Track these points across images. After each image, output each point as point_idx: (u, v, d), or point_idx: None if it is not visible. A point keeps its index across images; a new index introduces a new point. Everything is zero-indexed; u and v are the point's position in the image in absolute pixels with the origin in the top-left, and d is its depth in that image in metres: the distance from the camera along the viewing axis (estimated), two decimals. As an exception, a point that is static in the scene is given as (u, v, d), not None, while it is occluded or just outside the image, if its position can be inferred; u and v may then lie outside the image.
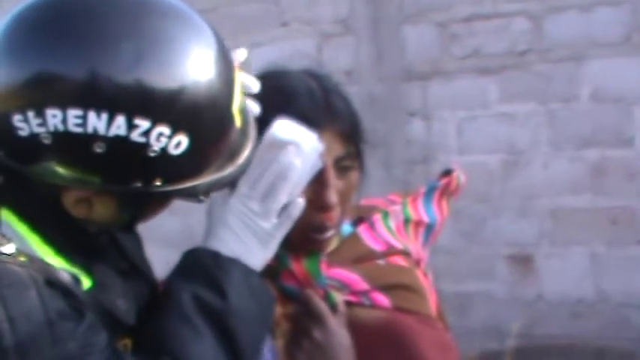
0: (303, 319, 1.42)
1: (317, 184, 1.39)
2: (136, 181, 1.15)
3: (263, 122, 1.35)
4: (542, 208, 4.41)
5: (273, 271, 1.44)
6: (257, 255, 1.32)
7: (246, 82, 1.35)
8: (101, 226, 1.25)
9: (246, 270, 1.30)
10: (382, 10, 4.71)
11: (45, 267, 1.17)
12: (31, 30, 1.12)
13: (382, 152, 4.65)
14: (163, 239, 4.85)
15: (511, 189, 4.48)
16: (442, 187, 1.65)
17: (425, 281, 1.58)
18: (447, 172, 1.68)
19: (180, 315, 1.25)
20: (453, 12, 4.52)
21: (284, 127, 1.35)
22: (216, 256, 1.30)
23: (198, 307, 1.25)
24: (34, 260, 1.17)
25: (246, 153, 1.27)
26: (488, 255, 4.57)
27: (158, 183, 1.16)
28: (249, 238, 1.31)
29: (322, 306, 1.42)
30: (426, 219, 1.63)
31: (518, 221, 4.48)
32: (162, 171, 1.15)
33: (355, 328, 1.42)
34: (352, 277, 1.47)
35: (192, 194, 1.22)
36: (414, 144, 4.69)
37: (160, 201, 1.26)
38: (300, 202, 1.33)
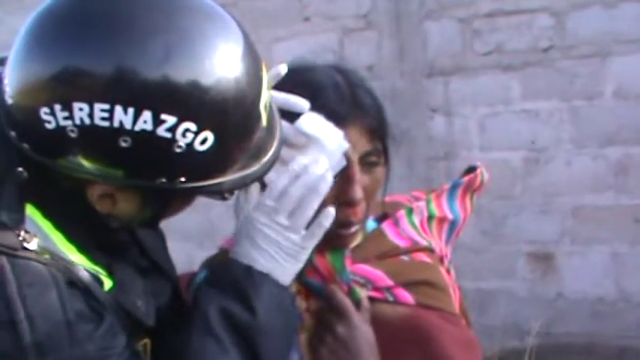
0: (327, 315, 1.42)
1: (342, 180, 1.38)
2: (161, 177, 1.14)
3: (289, 116, 1.34)
4: (563, 206, 4.38)
5: (301, 273, 1.43)
6: (287, 269, 1.31)
7: (292, 101, 1.36)
8: (124, 222, 1.25)
9: (277, 286, 1.30)
10: (404, 6, 4.69)
11: (67, 266, 1.17)
12: (59, 24, 1.12)
13: (404, 148, 4.64)
14: (183, 233, 4.86)
15: (533, 186, 4.45)
16: (466, 183, 1.65)
17: (448, 278, 1.58)
18: (471, 169, 1.67)
19: (206, 329, 1.25)
20: (475, 8, 4.50)
21: (311, 122, 1.34)
22: (248, 270, 1.29)
23: (226, 322, 1.25)
24: (57, 258, 1.17)
25: (271, 151, 1.26)
26: (509, 252, 4.55)
27: (182, 179, 1.16)
28: (279, 254, 1.31)
29: (346, 301, 1.41)
30: (449, 216, 1.63)
31: (540, 219, 4.45)
32: (187, 167, 1.15)
33: (378, 324, 1.42)
34: (376, 273, 1.47)
35: (216, 192, 1.22)
36: (435, 140, 4.68)
37: (184, 198, 1.26)
38: (332, 212, 1.32)
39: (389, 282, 1.47)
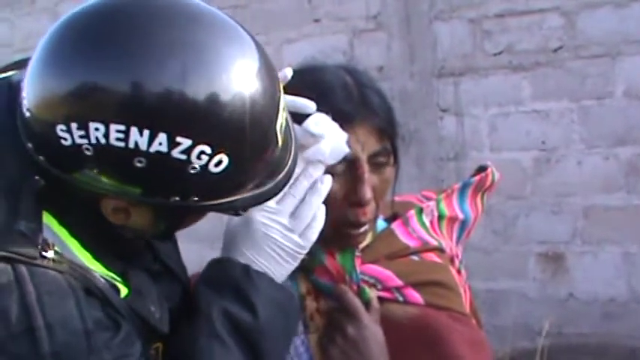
0: (337, 315, 1.43)
1: (352, 180, 1.39)
2: (175, 196, 1.14)
3: (298, 116, 1.34)
4: (574, 206, 4.37)
5: (307, 266, 1.44)
6: (285, 268, 1.32)
7: (300, 103, 1.36)
8: (137, 234, 1.25)
9: (275, 285, 1.30)
10: (414, 6, 4.69)
11: (84, 274, 1.18)
12: (77, 40, 1.12)
13: (414, 149, 4.64)
14: (195, 234, 4.86)
15: (543, 187, 4.44)
16: (476, 183, 1.64)
17: (459, 278, 1.58)
18: (482, 169, 1.67)
19: (210, 332, 1.25)
20: (485, 8, 4.50)
21: (318, 122, 1.34)
22: (246, 270, 1.29)
23: (229, 324, 1.26)
24: (75, 266, 1.17)
25: (286, 168, 1.26)
26: (520, 253, 4.54)
27: (196, 199, 1.16)
28: (278, 254, 1.31)
29: (356, 302, 1.42)
30: (460, 215, 1.63)
31: (551, 219, 4.44)
32: (200, 188, 1.15)
33: (388, 324, 1.42)
34: (386, 273, 1.47)
35: (229, 209, 1.22)
36: (445, 141, 4.67)
37: (197, 214, 1.26)
38: (323, 205, 1.33)
39: (399, 282, 1.47)
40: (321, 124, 1.34)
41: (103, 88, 1.07)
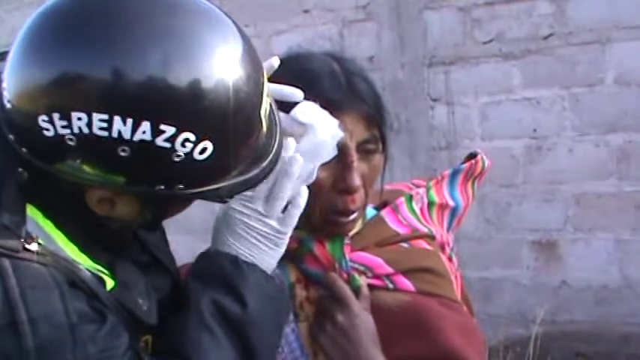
0: (327, 303, 1.43)
1: (340, 168, 1.39)
2: (159, 184, 1.14)
3: (285, 105, 1.34)
4: (566, 194, 4.38)
5: (297, 254, 1.44)
6: (270, 255, 1.31)
7: (287, 91, 1.35)
8: (123, 224, 1.25)
9: (264, 276, 1.30)
10: (404, -4, 4.69)
11: (69, 267, 1.17)
12: (57, 30, 1.11)
13: (405, 139, 4.64)
14: (186, 227, 4.85)
15: (535, 174, 4.45)
16: (466, 170, 1.64)
17: (450, 265, 1.57)
18: (472, 156, 1.67)
19: (200, 323, 1.25)
20: (475, -4, 4.50)
21: (306, 110, 1.34)
22: (235, 261, 1.29)
23: (219, 315, 1.25)
24: (59, 259, 1.17)
25: (272, 154, 1.25)
26: (512, 241, 4.55)
27: (181, 186, 1.15)
28: (259, 240, 1.30)
29: (346, 289, 1.42)
30: (450, 202, 1.63)
31: (543, 207, 4.45)
32: (185, 175, 1.14)
33: (378, 311, 1.42)
34: (376, 260, 1.47)
35: (215, 197, 1.21)
36: (437, 130, 4.67)
37: (183, 202, 1.26)
38: (305, 190, 1.32)
39: (389, 269, 1.47)
40: (309, 112, 1.34)
41: (85, 78, 1.07)
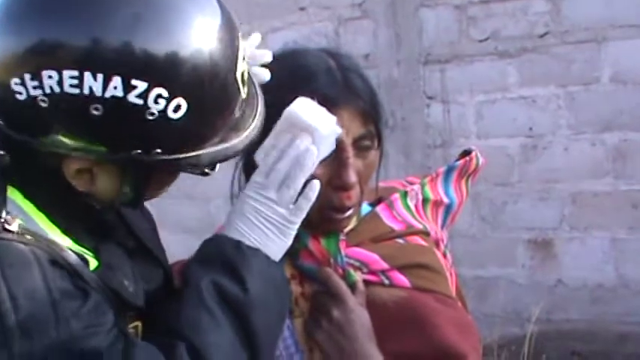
0: (322, 298, 1.42)
1: (336, 164, 1.38)
2: (136, 148, 1.14)
3: (282, 101, 1.34)
4: (562, 192, 4.39)
5: (292, 249, 1.42)
6: (277, 243, 1.31)
7: (258, 53, 1.36)
8: (105, 202, 1.25)
9: (268, 261, 1.29)
10: (399, -6, 4.69)
11: (50, 246, 1.17)
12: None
13: (400, 136, 4.64)
14: (182, 225, 4.85)
15: (531, 173, 4.45)
16: (460, 167, 1.64)
17: (444, 262, 1.57)
18: (466, 153, 1.67)
19: (199, 302, 1.23)
20: (471, -5, 4.50)
21: (304, 107, 1.33)
22: (237, 245, 1.28)
23: (218, 296, 1.24)
24: (40, 239, 1.17)
25: (252, 125, 1.26)
26: (508, 239, 4.56)
27: (158, 150, 1.15)
28: (268, 228, 1.30)
29: (342, 285, 1.41)
30: (445, 200, 1.63)
31: (538, 205, 4.45)
32: (162, 137, 1.15)
33: (374, 306, 1.42)
34: (371, 256, 1.47)
35: (195, 165, 1.21)
36: (432, 128, 4.67)
37: (163, 173, 1.26)
38: (316, 183, 1.32)
39: (384, 265, 1.46)
40: (306, 110, 1.33)
41: (57, 42, 1.09)
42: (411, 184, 1.64)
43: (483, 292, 4.53)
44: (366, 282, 1.44)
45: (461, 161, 1.65)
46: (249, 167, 1.42)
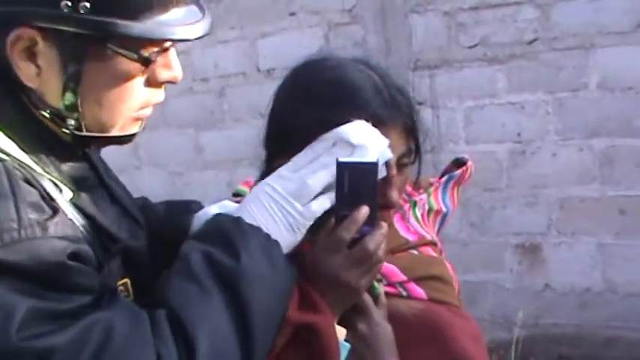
0: (347, 312, 1.39)
1: (380, 182, 1.34)
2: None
3: (326, 116, 1.32)
4: (550, 198, 4.40)
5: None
6: (284, 234, 1.27)
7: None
8: (53, 108, 1.23)
9: (267, 238, 1.26)
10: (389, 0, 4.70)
11: (23, 166, 1.16)
12: None
13: (390, 142, 4.64)
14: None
15: (519, 178, 4.47)
16: (459, 177, 1.65)
17: (451, 271, 1.58)
18: (458, 161, 1.67)
19: (187, 271, 1.21)
20: (460, 1, 4.50)
21: (359, 131, 1.30)
22: (237, 221, 1.26)
23: (208, 266, 1.20)
24: (14, 159, 1.16)
25: (184, 8, 1.25)
26: (496, 245, 4.57)
27: (87, 5, 1.15)
28: (279, 217, 1.27)
29: (367, 298, 1.39)
30: (443, 208, 1.64)
31: (526, 211, 4.47)
32: None
33: (394, 319, 1.40)
34: (390, 268, 1.45)
35: (127, 37, 1.19)
36: (422, 133, 4.67)
37: (98, 59, 1.22)
38: (332, 196, 1.29)
39: (402, 277, 1.46)
40: (362, 134, 1.30)
41: None
42: (408, 194, 1.63)
43: (472, 296, 4.54)
44: (385, 294, 1.43)
45: (459, 171, 1.65)
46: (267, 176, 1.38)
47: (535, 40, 4.35)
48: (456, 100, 4.59)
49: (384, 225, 1.33)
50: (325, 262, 1.31)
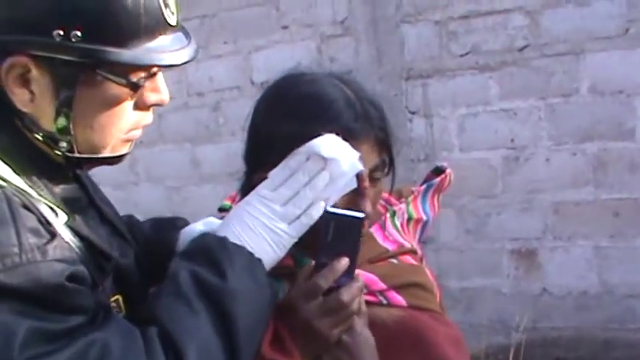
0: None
1: (352, 194, 1.37)
2: (55, 23, 1.18)
3: (301, 130, 1.34)
4: (545, 203, 4.42)
5: (293, 271, 1.44)
6: (268, 251, 1.30)
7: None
8: (46, 132, 1.26)
9: (252, 258, 1.28)
10: (380, 10, 4.72)
11: (20, 192, 1.19)
12: None
13: (384, 151, 4.65)
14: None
15: (513, 184, 4.49)
16: (438, 184, 1.67)
17: (432, 278, 1.59)
18: (438, 170, 1.70)
19: (176, 290, 1.23)
20: (451, 10, 4.54)
21: (330, 145, 1.33)
22: (222, 241, 1.29)
23: (196, 285, 1.23)
24: (11, 184, 1.19)
25: (173, 34, 1.30)
26: (492, 250, 4.59)
27: (78, 34, 1.18)
28: (263, 236, 1.30)
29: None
30: (423, 217, 1.66)
31: (522, 216, 4.49)
32: (80, 17, 1.18)
33: (374, 327, 1.41)
34: (370, 277, 1.47)
35: (116, 64, 1.23)
36: (415, 142, 4.71)
37: (89, 85, 1.25)
38: (322, 205, 1.32)
39: (382, 285, 1.47)
40: (333, 147, 1.33)
41: None
42: (387, 201, 1.65)
43: (469, 302, 4.56)
44: (366, 302, 1.43)
45: (438, 179, 1.67)
46: (247, 190, 1.40)
47: (526, 46, 4.38)
48: (449, 108, 4.62)
49: (362, 279, 1.37)
50: (300, 307, 1.33)
